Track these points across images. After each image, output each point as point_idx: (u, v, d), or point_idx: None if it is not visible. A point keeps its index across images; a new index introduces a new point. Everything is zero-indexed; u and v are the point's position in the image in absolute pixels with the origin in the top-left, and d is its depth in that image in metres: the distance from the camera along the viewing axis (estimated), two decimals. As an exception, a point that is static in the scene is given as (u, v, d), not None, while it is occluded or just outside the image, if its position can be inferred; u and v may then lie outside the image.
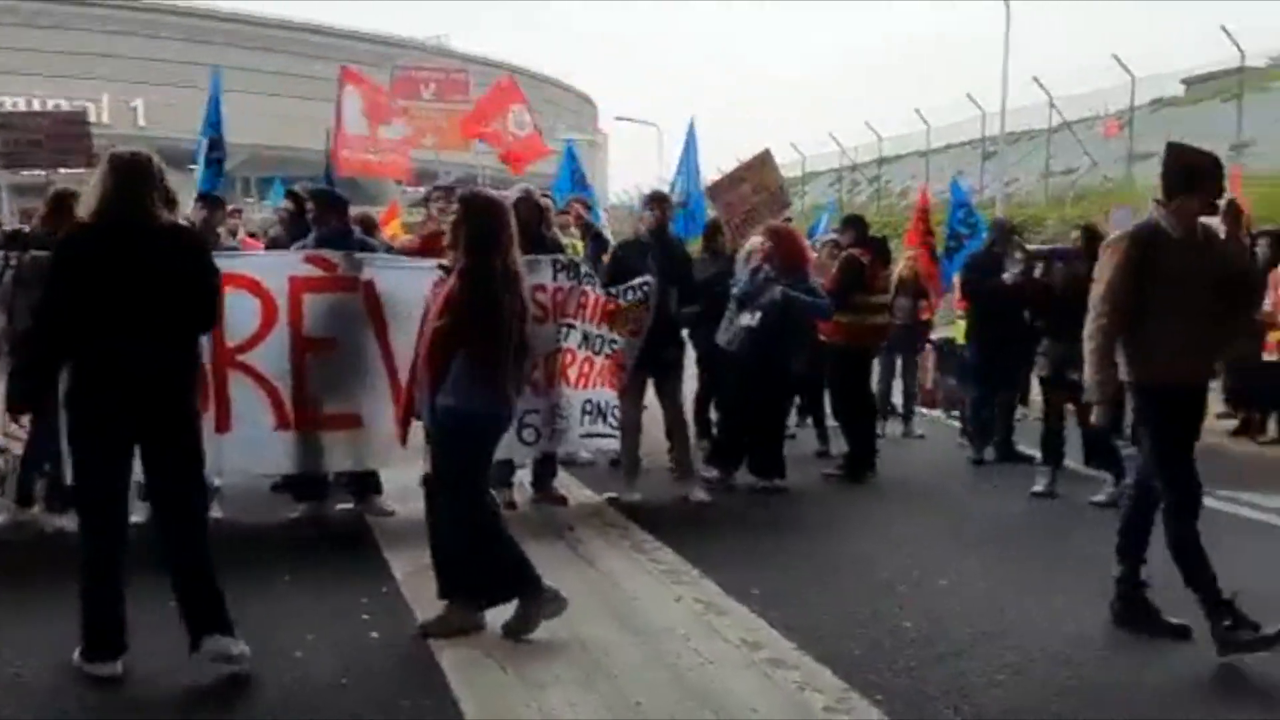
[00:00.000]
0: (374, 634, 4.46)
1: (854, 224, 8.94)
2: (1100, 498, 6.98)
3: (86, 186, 4.17)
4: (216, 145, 8.89)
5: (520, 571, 4.46)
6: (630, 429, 6.90)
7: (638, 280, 6.66)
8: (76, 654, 3.89)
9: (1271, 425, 9.58)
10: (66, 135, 9.09)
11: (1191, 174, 4.50)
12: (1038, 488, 7.31)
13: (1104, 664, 4.28)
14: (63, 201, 5.90)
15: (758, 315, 7.15)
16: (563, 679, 4.03)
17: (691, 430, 7.70)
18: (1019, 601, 5.04)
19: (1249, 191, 16.26)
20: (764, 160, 9.09)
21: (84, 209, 4.08)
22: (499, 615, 4.58)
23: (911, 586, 5.28)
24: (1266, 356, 9.20)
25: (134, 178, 3.96)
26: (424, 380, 4.47)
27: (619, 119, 56.44)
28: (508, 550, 4.50)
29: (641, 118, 51.82)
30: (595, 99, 79.48)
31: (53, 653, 4.04)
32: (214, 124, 8.95)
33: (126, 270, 3.84)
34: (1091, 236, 7.48)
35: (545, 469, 6.92)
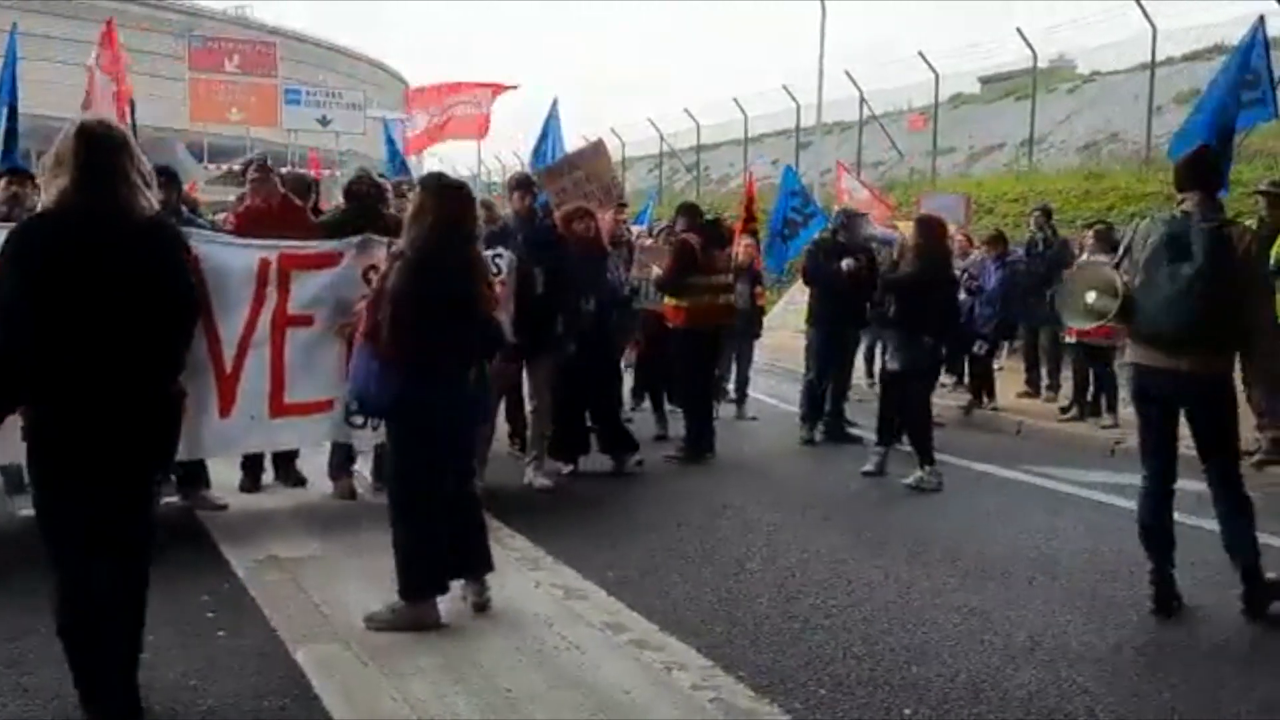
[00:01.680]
0: (221, 633, 4.23)
1: (685, 211, 8.96)
2: (909, 480, 7.31)
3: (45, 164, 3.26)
4: (11, 114, 8.18)
5: (431, 575, 4.38)
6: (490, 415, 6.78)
7: (490, 252, 6.54)
8: None
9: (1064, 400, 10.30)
10: None
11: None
12: (868, 467, 7.61)
13: (951, 627, 4.51)
14: None
15: (591, 300, 7.18)
16: (426, 670, 3.93)
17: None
18: (865, 574, 5.25)
19: (1043, 187, 17.47)
20: (597, 150, 9.05)
21: (48, 194, 3.24)
22: (357, 607, 4.46)
23: (762, 564, 5.41)
24: (1067, 339, 9.88)
25: (110, 156, 3.21)
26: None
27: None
28: (432, 548, 4.38)
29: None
30: (406, 78, 77.70)
31: None
32: (8, 90, 8.23)
33: (102, 276, 3.12)
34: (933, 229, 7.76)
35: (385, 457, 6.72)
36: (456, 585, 4.54)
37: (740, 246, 9.84)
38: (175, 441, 3.49)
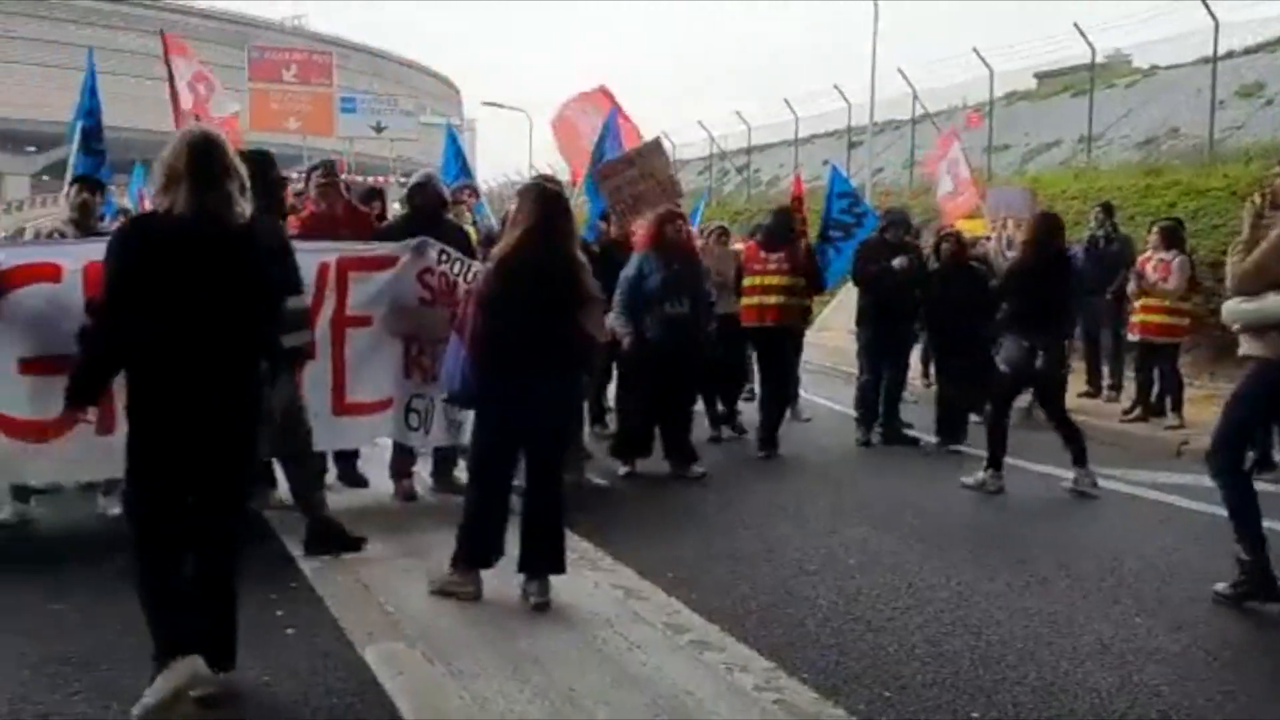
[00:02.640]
0: (290, 630, 4.30)
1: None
2: (970, 481, 7.18)
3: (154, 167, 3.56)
4: (94, 134, 8.38)
5: (475, 549, 4.69)
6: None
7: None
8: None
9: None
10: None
11: None
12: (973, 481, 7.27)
13: (1018, 629, 4.45)
14: None
15: (686, 302, 7.16)
16: (490, 669, 3.96)
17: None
18: (926, 576, 5.20)
19: (1103, 184, 17.19)
20: (653, 148, 9.00)
21: (159, 199, 3.51)
22: (422, 606, 4.51)
23: (821, 566, 5.38)
24: (1130, 336, 9.73)
25: (211, 166, 3.46)
26: None
27: (486, 104, 55.76)
28: (484, 525, 4.69)
29: (510, 104, 51.11)
30: (459, 85, 78.50)
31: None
32: (90, 111, 8.42)
33: (198, 277, 3.40)
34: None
35: (445, 459, 6.78)
36: (518, 582, 4.65)
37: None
38: (257, 420, 3.68)
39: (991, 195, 13.10)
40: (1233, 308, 4.86)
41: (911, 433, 8.92)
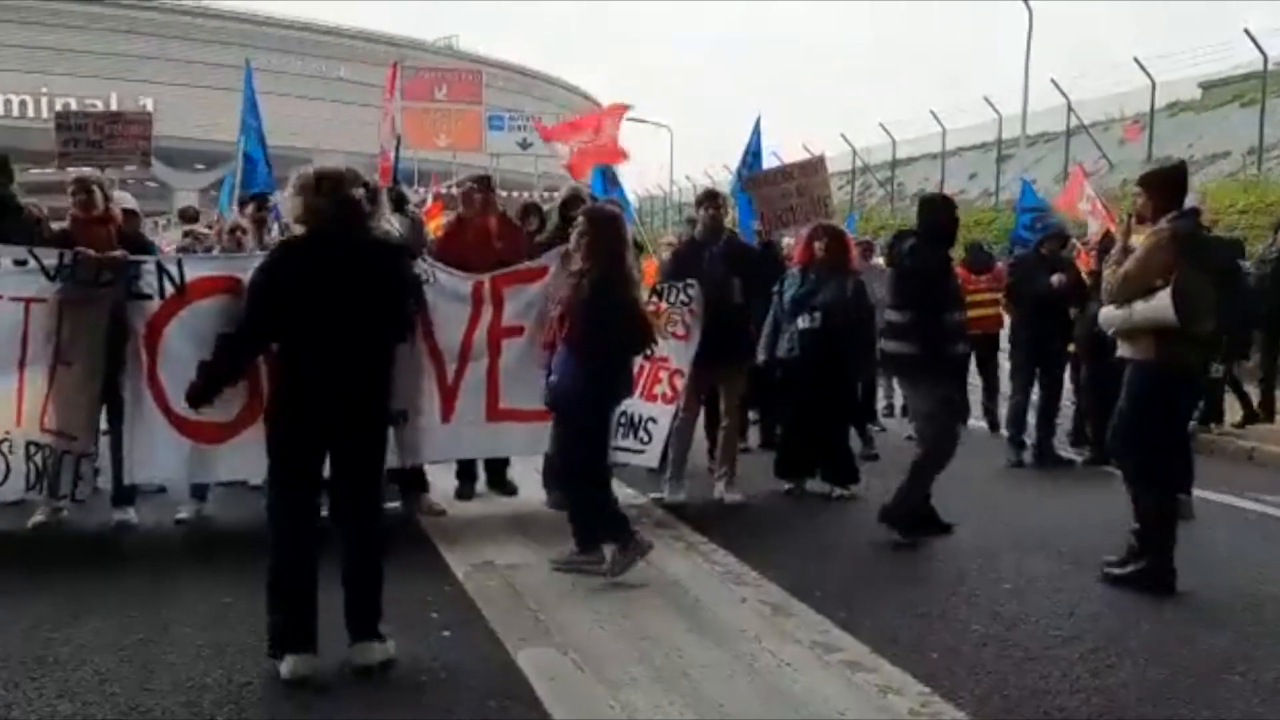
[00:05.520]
0: (446, 632, 4.43)
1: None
2: None
3: (289, 199, 4.26)
4: (259, 150, 8.83)
5: (617, 521, 5.27)
6: (686, 430, 6.85)
7: (682, 282, 6.62)
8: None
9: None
10: (126, 136, 8.87)
11: None
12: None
13: (1188, 664, 4.24)
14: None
15: (817, 316, 7.08)
16: (640, 679, 3.99)
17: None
18: (1086, 604, 5.00)
19: (1274, 198, 16.25)
20: (815, 166, 8.94)
21: (291, 223, 4.32)
22: (571, 613, 4.56)
23: (973, 590, 5.22)
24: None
25: (320, 195, 4.00)
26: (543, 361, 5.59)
27: (629, 120, 56.31)
28: (609, 501, 5.35)
29: (653, 119, 51.49)
30: (600, 100, 79.45)
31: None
32: (256, 128, 8.85)
33: (329, 284, 3.93)
34: None
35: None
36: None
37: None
38: (385, 413, 4.20)
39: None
40: (1107, 314, 5.32)
41: (1067, 454, 8.60)
